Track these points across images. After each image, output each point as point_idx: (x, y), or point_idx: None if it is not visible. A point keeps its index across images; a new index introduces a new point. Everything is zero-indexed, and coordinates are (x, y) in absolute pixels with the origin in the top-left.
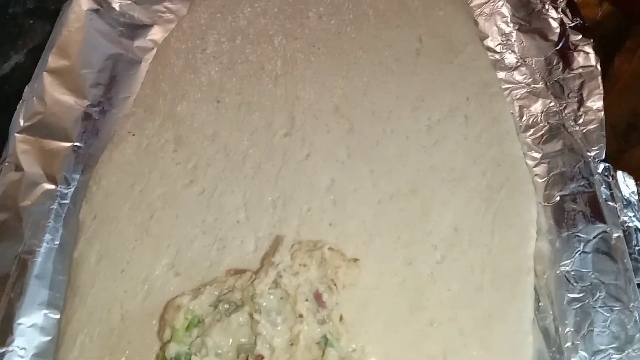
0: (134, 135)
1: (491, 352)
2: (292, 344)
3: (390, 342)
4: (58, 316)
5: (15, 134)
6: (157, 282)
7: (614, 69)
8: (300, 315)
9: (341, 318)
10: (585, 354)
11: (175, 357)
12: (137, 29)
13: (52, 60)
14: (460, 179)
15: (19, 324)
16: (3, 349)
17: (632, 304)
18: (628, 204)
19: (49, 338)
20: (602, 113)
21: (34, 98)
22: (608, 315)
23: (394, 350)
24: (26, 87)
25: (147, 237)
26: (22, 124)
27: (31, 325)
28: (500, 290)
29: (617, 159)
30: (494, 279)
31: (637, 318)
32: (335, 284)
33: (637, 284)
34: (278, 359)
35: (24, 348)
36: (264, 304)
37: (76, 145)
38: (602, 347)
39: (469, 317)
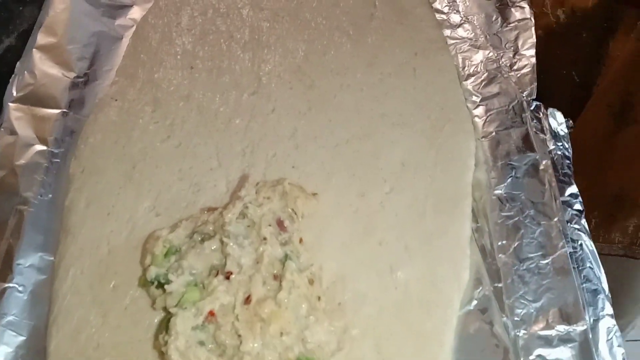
0: (116, 100)
1: (433, 264)
2: (257, 262)
3: (344, 260)
4: (52, 258)
5: (9, 103)
6: (139, 222)
7: (609, 53)
8: (264, 239)
9: (301, 240)
10: (516, 262)
11: (154, 278)
12: (118, 9)
13: (41, 38)
14: (408, 122)
15: (18, 264)
16: (5, 285)
17: (556, 218)
18: (556, 135)
19: (44, 277)
20: (534, 59)
21: (25, 72)
22: (535, 228)
23: (348, 267)
24: (18, 63)
25: (130, 184)
26: (15, 94)
27: (29, 266)
28: (441, 213)
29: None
30: (436, 204)
31: (561, 229)
32: (295, 213)
33: (562, 201)
34: (245, 274)
35: (23, 285)
36: (232, 230)
37: (65, 112)
38: (530, 255)
39: (413, 236)
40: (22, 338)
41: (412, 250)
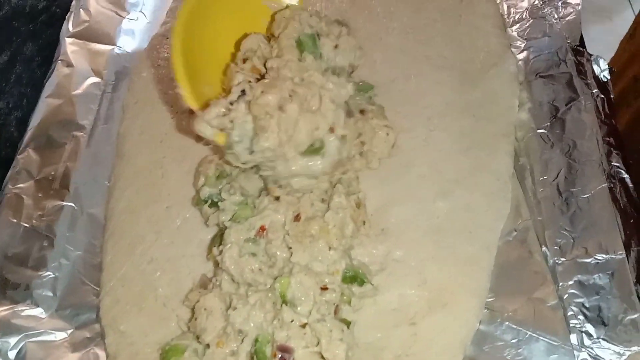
0: (167, 39)
1: (475, 196)
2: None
3: (388, 191)
4: (106, 182)
5: (66, 38)
6: (191, 149)
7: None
8: None
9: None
10: (556, 196)
11: (208, 197)
12: None
13: None
14: (452, 65)
15: (75, 186)
16: (63, 204)
17: (596, 156)
18: (598, 80)
19: (99, 198)
20: (580, 6)
21: (81, 10)
22: (576, 165)
23: (391, 197)
24: (73, 1)
25: (182, 114)
26: (71, 29)
27: (84, 187)
28: (484, 149)
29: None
30: (479, 141)
31: (601, 164)
32: None
33: (603, 140)
34: (294, 196)
35: (79, 205)
36: None
37: (118, 47)
38: (571, 190)
39: (456, 170)
40: (78, 253)
41: (455, 182)
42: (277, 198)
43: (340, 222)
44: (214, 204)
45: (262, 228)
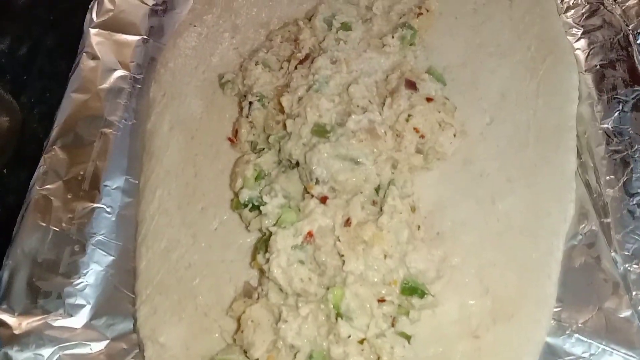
0: (195, 26)
1: (537, 196)
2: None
3: (443, 190)
4: (137, 181)
5: (90, 29)
6: (223, 145)
7: None
8: None
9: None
10: (625, 196)
11: (248, 200)
12: None
13: None
14: (506, 53)
15: (105, 185)
16: (93, 205)
17: None
18: None
19: (131, 199)
20: None
21: None
22: None
23: (446, 197)
24: None
25: (212, 107)
26: (95, 19)
27: (115, 188)
28: (544, 144)
29: None
30: (539, 135)
31: None
32: None
33: None
34: (342, 198)
35: (111, 206)
36: None
37: (145, 38)
38: None
39: (515, 167)
40: (111, 258)
41: (515, 181)
42: (324, 200)
43: (395, 227)
44: (255, 208)
45: (310, 234)
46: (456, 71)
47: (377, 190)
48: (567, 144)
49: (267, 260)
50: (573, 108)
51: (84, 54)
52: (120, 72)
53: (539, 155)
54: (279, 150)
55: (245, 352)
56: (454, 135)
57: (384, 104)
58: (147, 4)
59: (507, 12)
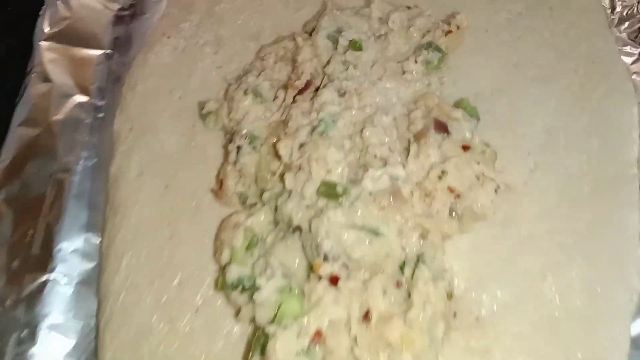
0: (169, 37)
1: (597, 267)
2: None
3: (480, 260)
4: (100, 241)
5: (40, 42)
6: (205, 198)
7: None
8: None
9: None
10: None
11: (237, 281)
12: None
13: None
14: (550, 76)
15: (59, 249)
16: (44, 277)
17: None
18: None
19: (93, 264)
20: None
21: (58, 2)
22: None
23: (485, 269)
24: None
25: (191, 145)
26: (47, 30)
27: (73, 251)
28: (601, 199)
29: None
30: (594, 187)
31: None
32: None
33: None
34: (357, 279)
35: (67, 275)
36: None
37: (108, 53)
38: None
39: (569, 229)
40: (70, 342)
41: (569, 248)
42: (335, 281)
43: (429, 322)
44: (246, 290)
45: (318, 333)
46: (490, 100)
47: (401, 267)
48: (628, 197)
49: None
50: (634, 151)
51: (34, 75)
52: (78, 98)
53: (595, 212)
54: (276, 207)
55: None
56: (495, 192)
57: (406, 150)
58: (111, 9)
59: (548, 25)
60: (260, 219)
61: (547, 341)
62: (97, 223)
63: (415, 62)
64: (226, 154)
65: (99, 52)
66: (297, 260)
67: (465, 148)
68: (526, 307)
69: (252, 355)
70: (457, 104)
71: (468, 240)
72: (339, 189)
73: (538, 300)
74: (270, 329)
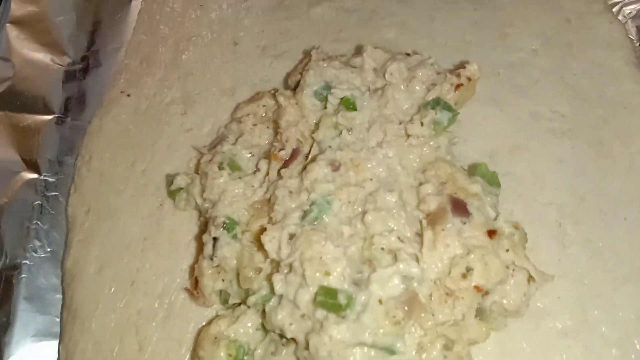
0: (129, 95)
1: None
2: None
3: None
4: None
5: None
6: (179, 297)
7: None
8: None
9: None
10: None
11: None
12: None
13: (16, 6)
14: (574, 128)
15: None
16: None
17: None
18: None
19: None
20: None
21: None
22: None
23: None
24: None
25: (159, 231)
26: None
27: None
28: None
29: None
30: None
31: None
32: None
33: None
34: None
35: None
36: None
37: (59, 117)
38: None
39: (616, 320)
40: None
41: (618, 343)
42: None
43: None
44: None
45: None
46: (508, 160)
47: None
48: None
49: None
50: None
51: None
52: (25, 176)
53: None
54: (263, 312)
55: None
56: (528, 281)
57: (418, 235)
58: (61, 64)
59: (568, 64)
60: (247, 326)
61: None
62: (54, 329)
63: (422, 124)
64: (200, 245)
65: (47, 117)
66: None
67: (491, 234)
68: None
69: None
70: (473, 170)
71: (497, 340)
72: (342, 299)
73: None
74: None
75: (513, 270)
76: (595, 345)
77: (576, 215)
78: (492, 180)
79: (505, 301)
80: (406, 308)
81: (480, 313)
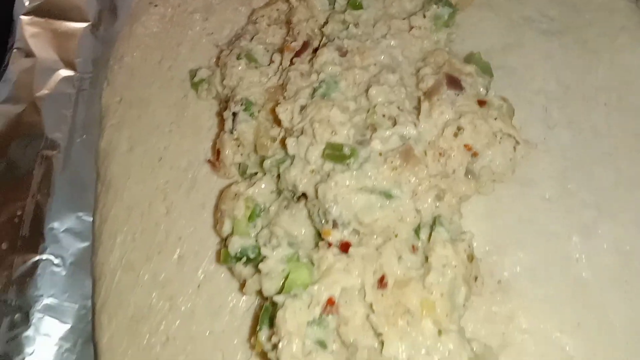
0: (156, 6)
1: (627, 227)
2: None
3: (499, 221)
4: (92, 219)
5: (21, 17)
6: (201, 170)
7: None
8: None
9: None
10: None
11: (240, 252)
12: None
13: None
14: (562, 30)
15: (51, 228)
16: (36, 258)
17: None
18: None
19: (87, 244)
20: None
21: None
22: None
23: (505, 229)
24: None
25: (184, 116)
26: (27, 4)
27: (65, 230)
28: (627, 155)
29: None
30: (617, 142)
31: None
32: None
33: None
34: (370, 246)
35: (60, 256)
36: None
37: (93, 25)
38: None
39: (593, 187)
40: (65, 326)
41: (595, 208)
42: (345, 249)
43: (449, 286)
44: (251, 261)
45: (330, 301)
46: (501, 56)
47: (416, 231)
48: None
49: (274, 347)
50: None
51: (15, 50)
52: (63, 73)
53: (622, 170)
54: (278, 176)
55: None
56: (514, 149)
57: (417, 109)
58: None
59: None
60: (262, 188)
61: (576, 304)
62: (89, 201)
63: (424, 16)
64: (221, 122)
65: (83, 24)
66: (303, 230)
67: (481, 103)
68: (551, 269)
69: (259, 329)
70: (468, 59)
71: (486, 203)
72: (346, 150)
73: (564, 262)
74: (279, 299)
75: (500, 137)
76: (575, 208)
77: (561, 101)
78: (485, 69)
79: (492, 164)
80: (403, 159)
81: (470, 173)
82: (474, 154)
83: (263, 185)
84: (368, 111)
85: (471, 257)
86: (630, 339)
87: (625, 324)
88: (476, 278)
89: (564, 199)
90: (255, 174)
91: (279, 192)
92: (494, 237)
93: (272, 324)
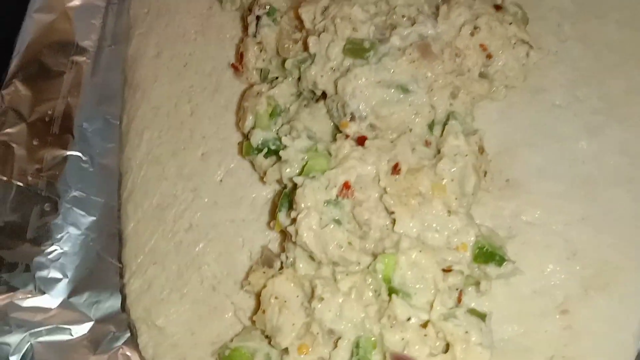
0: None
1: (632, 130)
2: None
3: (510, 124)
4: (119, 122)
5: None
6: (225, 75)
7: None
8: None
9: None
10: None
11: (262, 143)
12: None
13: None
14: None
15: (80, 128)
16: (66, 153)
17: None
18: None
19: (113, 144)
20: None
21: None
22: None
23: (516, 132)
24: None
25: (208, 25)
26: None
27: (93, 130)
28: (637, 66)
29: None
30: (629, 54)
31: None
32: None
33: None
34: (385, 138)
35: (89, 154)
36: None
37: None
38: None
39: (603, 95)
40: (91, 218)
41: (602, 113)
42: (362, 142)
43: (460, 173)
44: (272, 153)
45: (346, 185)
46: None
47: (430, 127)
48: None
49: (293, 221)
50: None
51: None
52: None
53: (631, 79)
54: (299, 78)
55: (267, 337)
56: (527, 55)
57: (435, 12)
58: None
59: None
60: (283, 90)
61: (582, 201)
62: (116, 104)
63: None
64: (245, 28)
65: None
66: (322, 127)
67: (497, 8)
68: (559, 168)
69: (279, 210)
70: None
71: (498, 108)
72: (366, 44)
73: (572, 164)
74: (298, 180)
75: (514, 42)
76: (584, 113)
77: (574, 17)
78: None
79: (505, 68)
80: (420, 52)
81: (484, 77)
82: (489, 56)
83: (284, 88)
84: (388, 14)
85: (482, 149)
86: (633, 232)
87: (629, 218)
88: (485, 173)
89: (574, 105)
90: (276, 78)
91: (299, 95)
92: (505, 139)
93: (290, 206)
